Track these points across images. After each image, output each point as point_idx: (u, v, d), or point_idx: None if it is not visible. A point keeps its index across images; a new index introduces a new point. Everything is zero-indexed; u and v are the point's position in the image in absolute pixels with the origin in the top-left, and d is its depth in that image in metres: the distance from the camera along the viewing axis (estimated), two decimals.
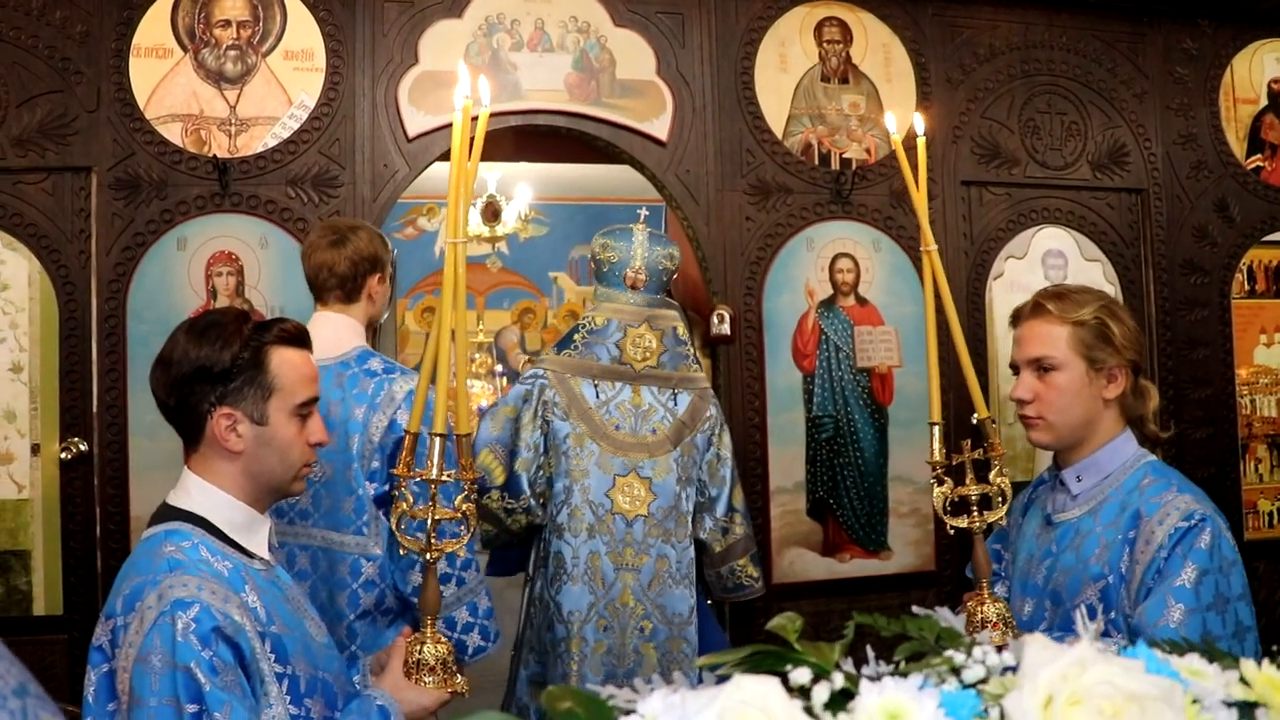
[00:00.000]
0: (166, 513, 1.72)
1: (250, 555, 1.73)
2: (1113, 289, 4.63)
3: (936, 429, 1.96)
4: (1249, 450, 4.78)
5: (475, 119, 1.72)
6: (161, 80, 3.73)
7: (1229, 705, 0.92)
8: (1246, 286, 4.85)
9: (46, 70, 3.65)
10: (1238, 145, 4.82)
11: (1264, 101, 4.85)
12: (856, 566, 4.26)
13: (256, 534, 1.77)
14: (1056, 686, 0.85)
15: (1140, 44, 4.72)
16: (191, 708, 1.49)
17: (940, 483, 1.92)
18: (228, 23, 3.79)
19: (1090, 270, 4.61)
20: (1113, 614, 1.83)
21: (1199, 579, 1.77)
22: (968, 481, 1.87)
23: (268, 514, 1.81)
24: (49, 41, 3.66)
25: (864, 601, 4.08)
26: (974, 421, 1.96)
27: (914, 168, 2.02)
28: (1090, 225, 4.65)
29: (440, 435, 1.72)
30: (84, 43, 3.69)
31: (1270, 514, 4.76)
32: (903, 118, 4.20)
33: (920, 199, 2.00)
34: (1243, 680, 0.96)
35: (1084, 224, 4.64)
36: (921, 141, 2.04)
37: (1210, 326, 4.76)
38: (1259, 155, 4.84)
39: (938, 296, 1.96)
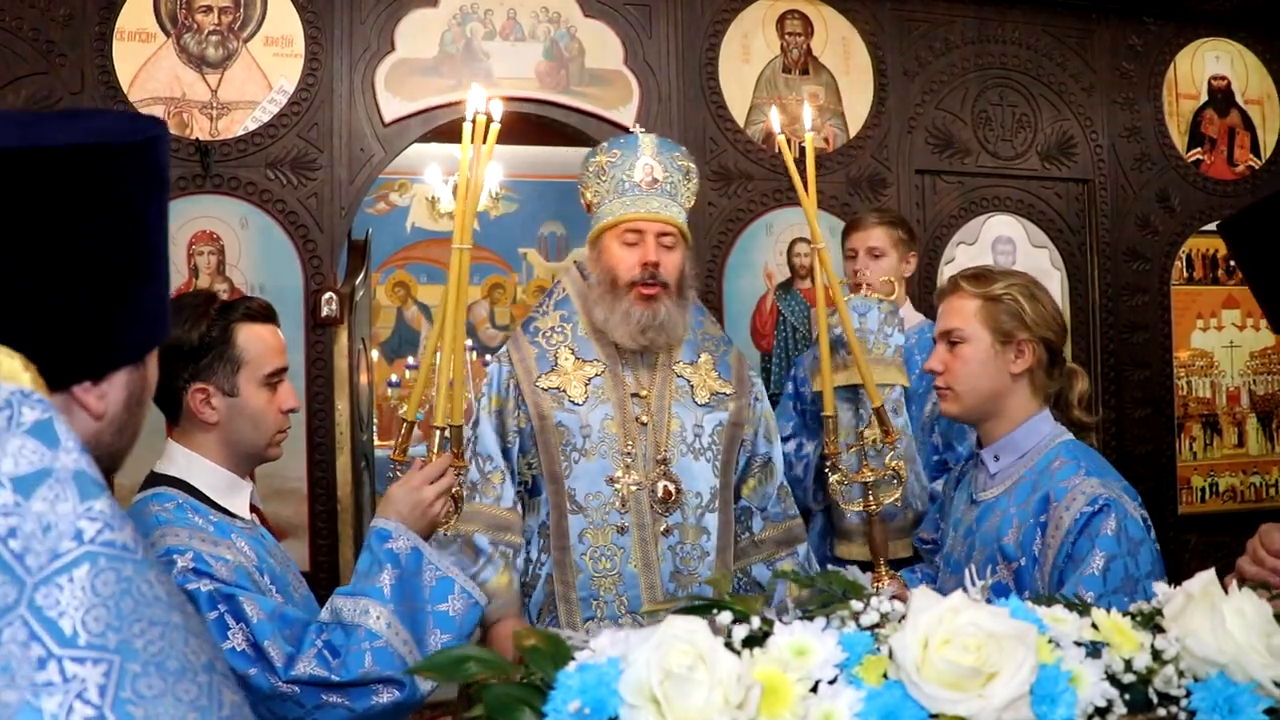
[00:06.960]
0: (153, 479, 1.84)
1: (233, 516, 1.85)
2: (1059, 274, 4.84)
3: (831, 421, 2.07)
4: (1184, 429, 5.02)
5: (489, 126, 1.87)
6: (144, 64, 3.82)
7: (1079, 644, 1.12)
8: (1185, 274, 5.07)
9: (31, 52, 3.75)
10: (1179, 139, 5.03)
11: (1204, 97, 5.06)
12: None
13: (238, 496, 1.89)
14: (933, 628, 1.02)
15: (1088, 40, 4.92)
16: (213, 614, 1.64)
17: (834, 471, 2.05)
18: (209, 8, 3.89)
19: (1037, 256, 4.82)
20: (1026, 594, 1.97)
21: (1106, 565, 1.85)
22: (862, 469, 2.02)
23: (247, 478, 1.94)
24: (33, 24, 3.75)
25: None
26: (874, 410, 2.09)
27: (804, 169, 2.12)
28: (1039, 213, 4.85)
29: (439, 428, 1.88)
30: (68, 25, 3.78)
31: (1203, 489, 5.01)
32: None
33: (810, 202, 2.11)
34: (1094, 625, 1.16)
35: (1033, 212, 4.84)
36: (810, 138, 2.16)
37: (1150, 311, 4.98)
38: (1199, 149, 5.06)
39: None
